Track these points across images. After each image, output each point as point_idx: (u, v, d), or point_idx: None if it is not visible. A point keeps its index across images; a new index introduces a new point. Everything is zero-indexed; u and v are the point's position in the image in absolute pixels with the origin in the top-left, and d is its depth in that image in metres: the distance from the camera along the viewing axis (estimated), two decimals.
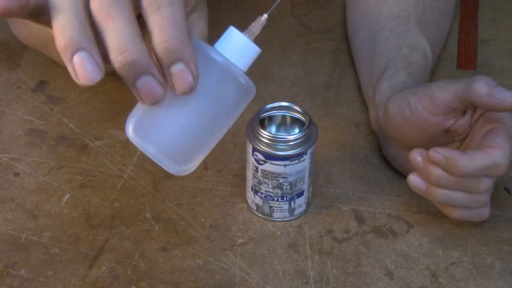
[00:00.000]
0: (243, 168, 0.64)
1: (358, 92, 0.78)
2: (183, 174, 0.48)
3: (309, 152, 0.60)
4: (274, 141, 0.59)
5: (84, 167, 0.68)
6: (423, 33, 0.73)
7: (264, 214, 0.64)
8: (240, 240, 0.62)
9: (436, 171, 0.57)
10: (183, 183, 0.66)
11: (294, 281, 0.58)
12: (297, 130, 0.63)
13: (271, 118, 0.64)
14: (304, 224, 0.63)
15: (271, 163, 0.60)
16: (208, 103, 0.46)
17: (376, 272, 0.59)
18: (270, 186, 0.61)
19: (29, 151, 0.70)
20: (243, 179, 0.66)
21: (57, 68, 0.75)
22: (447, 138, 0.61)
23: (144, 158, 0.68)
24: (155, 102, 0.44)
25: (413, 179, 0.59)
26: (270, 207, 0.63)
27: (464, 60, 0.83)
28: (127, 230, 0.62)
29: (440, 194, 0.58)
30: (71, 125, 0.73)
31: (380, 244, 0.62)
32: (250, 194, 0.64)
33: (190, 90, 0.44)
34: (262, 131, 0.59)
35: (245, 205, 0.65)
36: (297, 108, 0.62)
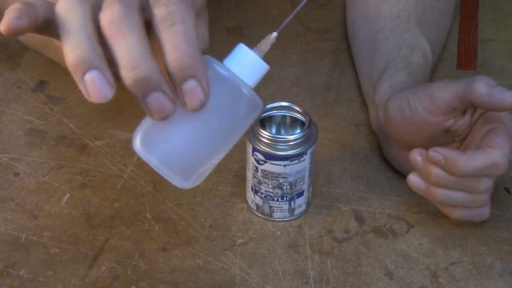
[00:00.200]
0: (243, 168, 0.64)
1: (358, 92, 0.78)
2: (188, 187, 0.48)
3: (309, 152, 0.60)
4: (274, 141, 0.59)
5: (84, 167, 0.68)
6: (423, 33, 0.73)
7: (264, 214, 0.64)
8: (240, 240, 0.62)
9: (436, 171, 0.57)
10: None
11: (294, 281, 0.58)
12: (297, 130, 0.63)
13: (271, 118, 0.64)
14: (304, 224, 0.63)
15: (271, 163, 0.60)
16: (216, 119, 0.47)
17: (376, 272, 0.59)
18: (270, 186, 0.61)
19: (29, 151, 0.70)
20: (243, 179, 0.66)
21: (57, 68, 0.75)
22: (447, 138, 0.61)
23: None
24: (165, 117, 0.44)
25: (413, 178, 0.59)
26: (270, 207, 0.63)
27: (464, 60, 0.83)
28: (127, 230, 0.62)
29: (440, 193, 0.58)
30: (71, 125, 0.73)
31: (380, 244, 0.62)
32: (250, 194, 0.64)
33: (201, 107, 0.44)
34: (262, 131, 0.59)
35: (245, 205, 0.65)
36: (297, 108, 0.62)
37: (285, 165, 0.60)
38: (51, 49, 0.65)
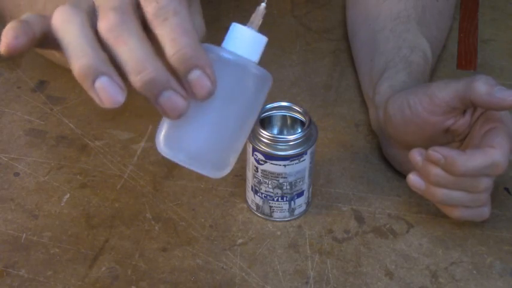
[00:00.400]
0: (243, 168, 0.64)
1: (358, 92, 0.78)
2: (223, 175, 0.49)
3: (309, 152, 0.60)
4: (274, 141, 0.59)
5: (84, 167, 0.68)
6: (423, 33, 0.73)
7: (264, 214, 0.64)
8: (240, 240, 0.62)
9: (435, 171, 0.57)
10: (183, 183, 0.66)
11: (294, 281, 0.58)
12: (297, 130, 0.63)
13: (271, 118, 0.64)
14: (304, 224, 0.63)
15: (271, 163, 0.60)
16: (229, 102, 0.47)
17: (376, 272, 0.59)
18: (270, 186, 0.61)
19: (29, 151, 0.70)
20: (243, 179, 0.66)
21: (57, 68, 0.75)
22: (447, 138, 0.61)
23: (144, 158, 0.68)
24: (180, 115, 0.44)
25: (412, 178, 0.59)
26: (270, 207, 0.63)
27: (464, 60, 0.83)
28: (127, 230, 0.62)
29: (440, 193, 0.58)
30: (71, 125, 0.73)
31: (380, 244, 0.62)
32: (250, 194, 0.64)
33: (210, 95, 0.45)
34: (262, 131, 0.59)
35: (245, 205, 0.65)
36: (297, 108, 0.62)
37: (285, 165, 0.60)
38: (49, 51, 0.65)
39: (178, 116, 0.44)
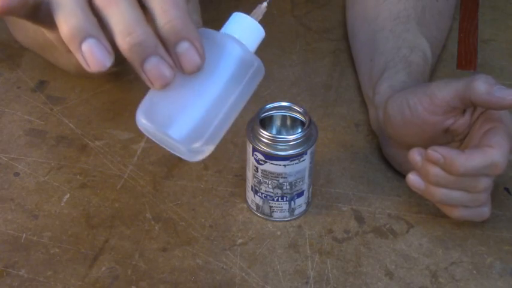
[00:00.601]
0: (243, 168, 0.64)
1: (358, 92, 0.78)
2: (197, 159, 0.47)
3: (309, 152, 0.60)
4: (274, 141, 0.59)
5: (84, 167, 0.68)
6: (423, 33, 0.73)
7: (264, 214, 0.64)
8: (240, 240, 0.62)
9: (435, 170, 0.57)
10: (183, 183, 0.67)
11: (294, 281, 0.58)
12: (297, 130, 0.63)
13: (271, 118, 0.64)
14: (304, 224, 0.63)
15: (271, 163, 0.60)
16: (218, 84, 0.46)
17: (376, 272, 0.59)
18: (270, 186, 0.61)
19: (29, 151, 0.70)
20: (243, 179, 0.66)
21: (57, 68, 0.75)
22: (447, 137, 0.61)
23: (144, 158, 0.68)
24: (165, 84, 0.44)
25: (412, 178, 0.59)
26: (270, 207, 0.63)
27: (464, 60, 0.83)
28: (127, 230, 0.62)
29: (439, 193, 0.58)
30: (71, 125, 0.73)
31: (380, 244, 0.62)
32: (250, 194, 0.64)
33: (198, 69, 0.44)
34: (262, 131, 0.59)
35: (245, 205, 0.65)
36: (297, 108, 0.62)
37: (285, 165, 0.60)
38: (48, 52, 0.65)
39: (163, 85, 0.44)
